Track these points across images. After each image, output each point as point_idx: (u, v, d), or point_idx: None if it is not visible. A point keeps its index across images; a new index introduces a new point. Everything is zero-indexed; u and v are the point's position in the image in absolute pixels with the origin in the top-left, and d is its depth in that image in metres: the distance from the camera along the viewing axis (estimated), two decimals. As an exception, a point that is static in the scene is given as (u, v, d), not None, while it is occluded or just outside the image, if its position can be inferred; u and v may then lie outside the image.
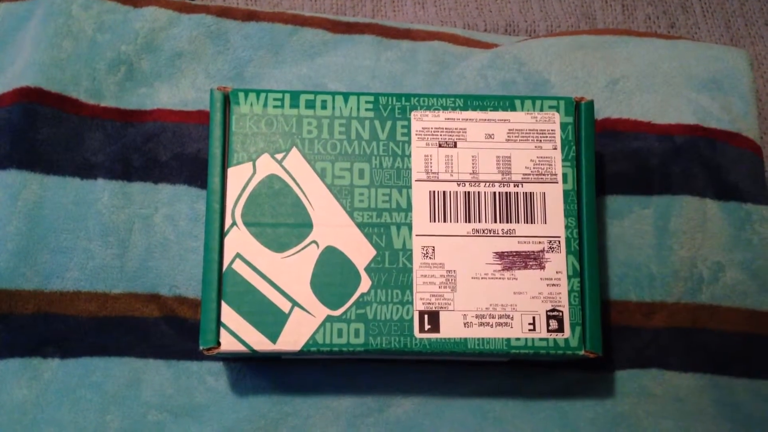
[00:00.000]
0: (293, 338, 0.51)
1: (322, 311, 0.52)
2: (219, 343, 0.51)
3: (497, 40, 0.70)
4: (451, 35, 0.69)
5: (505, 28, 0.74)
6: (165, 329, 0.59)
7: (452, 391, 0.59)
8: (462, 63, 0.66)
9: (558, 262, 0.53)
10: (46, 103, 0.61)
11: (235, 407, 0.58)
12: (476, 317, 0.52)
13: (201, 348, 0.51)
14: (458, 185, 0.54)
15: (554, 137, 0.55)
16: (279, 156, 0.54)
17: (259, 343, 0.51)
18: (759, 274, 0.61)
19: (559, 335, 0.52)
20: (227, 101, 0.55)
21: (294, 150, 0.54)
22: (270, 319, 0.52)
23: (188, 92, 0.64)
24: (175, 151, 0.62)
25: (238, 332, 0.51)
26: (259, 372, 0.59)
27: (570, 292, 0.53)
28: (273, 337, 0.51)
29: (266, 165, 0.54)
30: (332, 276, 0.52)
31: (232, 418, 0.58)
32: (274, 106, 0.55)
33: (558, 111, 0.56)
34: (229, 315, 0.52)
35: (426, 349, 0.52)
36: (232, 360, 0.59)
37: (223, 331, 0.51)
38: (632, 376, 0.60)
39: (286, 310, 0.52)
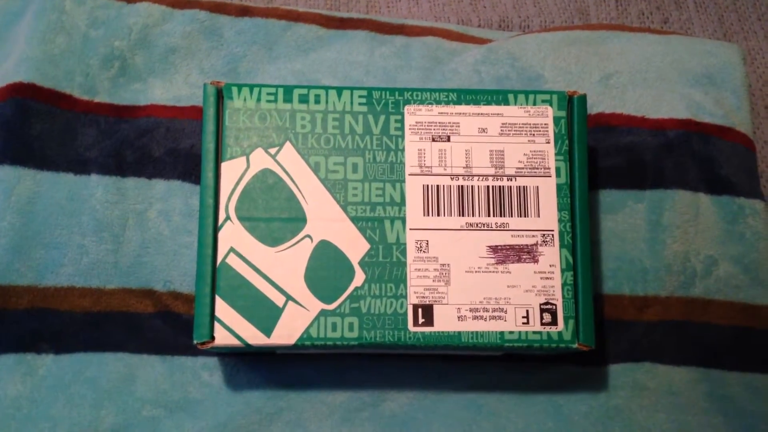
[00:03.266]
0: (287, 332, 0.51)
1: (316, 305, 0.52)
2: (213, 338, 0.51)
3: (491, 35, 0.70)
4: (445, 31, 0.69)
5: (498, 24, 0.75)
6: (159, 324, 0.59)
7: (446, 385, 0.59)
8: (456, 58, 0.66)
9: (551, 256, 0.53)
10: (39, 99, 0.61)
11: (229, 402, 0.58)
12: (470, 311, 0.52)
13: (195, 342, 0.51)
14: (452, 179, 0.54)
15: (547, 131, 0.55)
16: (272, 150, 0.54)
17: (254, 337, 0.51)
18: (751, 268, 0.61)
19: (553, 328, 0.53)
20: (220, 96, 0.55)
21: (287, 144, 0.54)
22: (264, 314, 0.52)
23: (182, 88, 0.64)
24: (168, 146, 0.62)
25: (232, 326, 0.51)
26: (254, 367, 0.59)
27: (563, 285, 0.53)
28: (267, 331, 0.51)
29: (260, 159, 0.54)
30: (326, 270, 0.52)
31: (226, 413, 0.58)
32: (268, 101, 0.55)
33: (551, 105, 0.56)
34: (223, 309, 0.51)
35: (420, 343, 0.52)
36: (226, 355, 0.59)
37: (217, 325, 0.51)
38: (626, 370, 0.60)
39: (280, 304, 0.52)
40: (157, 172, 0.62)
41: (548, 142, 0.55)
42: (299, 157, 0.54)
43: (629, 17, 0.76)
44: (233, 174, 0.53)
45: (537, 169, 0.54)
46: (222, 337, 0.51)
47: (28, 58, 0.62)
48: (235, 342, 0.51)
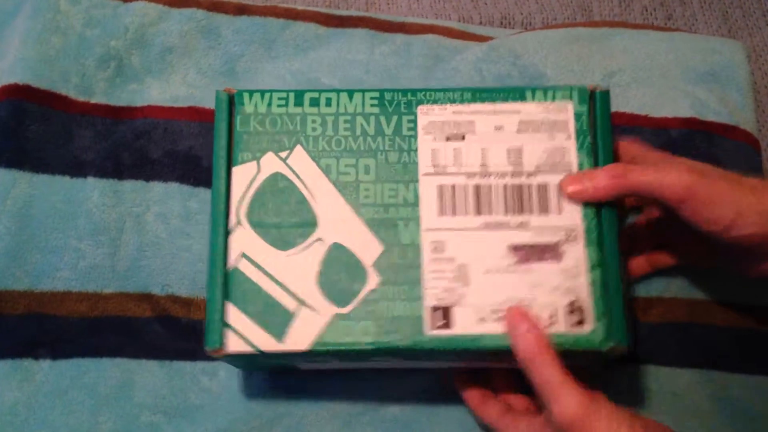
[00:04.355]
0: (300, 337, 0.50)
1: (329, 309, 0.51)
2: (225, 345, 0.50)
3: (492, 33, 0.70)
4: (446, 28, 0.69)
5: (500, 21, 0.74)
6: (158, 329, 0.59)
7: (447, 388, 0.59)
8: (457, 56, 0.66)
9: (576, 254, 0.51)
10: (34, 100, 0.61)
11: (229, 408, 0.58)
12: (491, 312, 0.51)
13: (207, 350, 0.50)
14: (467, 178, 0.53)
15: (568, 127, 0.54)
16: (283, 154, 0.53)
17: (266, 343, 0.50)
18: (756, 268, 0.61)
19: (582, 329, 0.51)
20: (231, 102, 0.54)
21: (298, 147, 0.53)
22: (277, 319, 0.50)
23: (179, 88, 0.64)
24: (166, 148, 0.62)
25: (244, 333, 0.50)
26: (254, 372, 0.59)
27: (591, 283, 0.51)
28: (280, 337, 0.50)
29: (270, 163, 0.53)
30: (339, 273, 0.51)
31: (226, 418, 0.58)
32: (279, 105, 0.54)
33: (572, 100, 0.54)
34: (234, 315, 0.50)
35: (438, 347, 0.50)
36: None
37: (229, 332, 0.50)
38: (628, 372, 0.60)
39: (293, 309, 0.51)
40: (154, 174, 0.61)
41: (569, 138, 0.53)
42: (310, 159, 0.53)
43: (633, 13, 0.76)
44: (244, 179, 0.52)
45: (558, 165, 0.53)
46: (234, 344, 0.50)
47: (22, 59, 0.61)
48: (248, 349, 0.50)
